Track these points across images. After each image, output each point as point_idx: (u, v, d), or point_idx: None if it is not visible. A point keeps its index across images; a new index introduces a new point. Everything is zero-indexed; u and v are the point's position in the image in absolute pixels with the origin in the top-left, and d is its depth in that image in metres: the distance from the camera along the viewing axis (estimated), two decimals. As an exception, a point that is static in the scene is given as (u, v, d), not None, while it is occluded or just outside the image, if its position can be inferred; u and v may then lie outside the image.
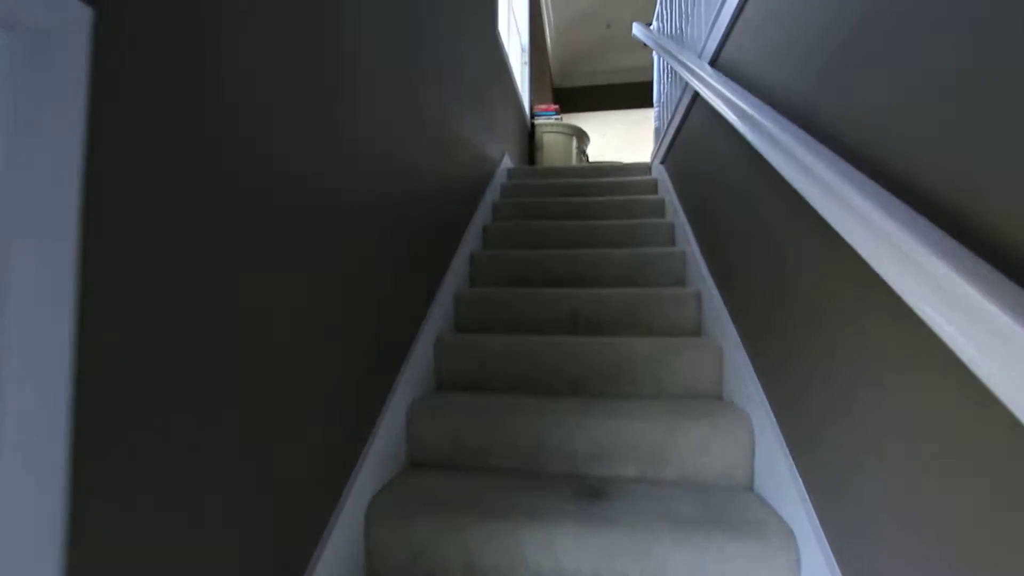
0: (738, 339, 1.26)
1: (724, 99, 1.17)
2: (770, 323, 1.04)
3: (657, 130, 2.66)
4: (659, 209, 2.25)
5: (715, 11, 1.41)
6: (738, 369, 1.20)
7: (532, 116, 4.09)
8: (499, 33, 2.67)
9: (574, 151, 4.03)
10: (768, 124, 0.89)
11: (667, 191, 2.23)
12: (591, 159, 7.38)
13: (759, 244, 1.12)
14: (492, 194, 2.41)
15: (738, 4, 1.22)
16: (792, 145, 0.79)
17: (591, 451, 1.13)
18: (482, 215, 2.18)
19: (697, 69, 1.42)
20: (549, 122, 3.98)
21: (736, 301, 1.29)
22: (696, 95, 1.67)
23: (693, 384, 1.34)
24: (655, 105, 2.68)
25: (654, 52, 2.73)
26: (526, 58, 4.01)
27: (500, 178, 2.65)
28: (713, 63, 1.45)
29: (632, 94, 7.00)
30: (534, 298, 1.62)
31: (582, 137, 4.16)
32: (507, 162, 2.87)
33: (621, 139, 9.17)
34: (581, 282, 1.83)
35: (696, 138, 1.71)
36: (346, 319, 0.93)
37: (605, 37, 6.36)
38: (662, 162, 2.39)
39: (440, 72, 1.56)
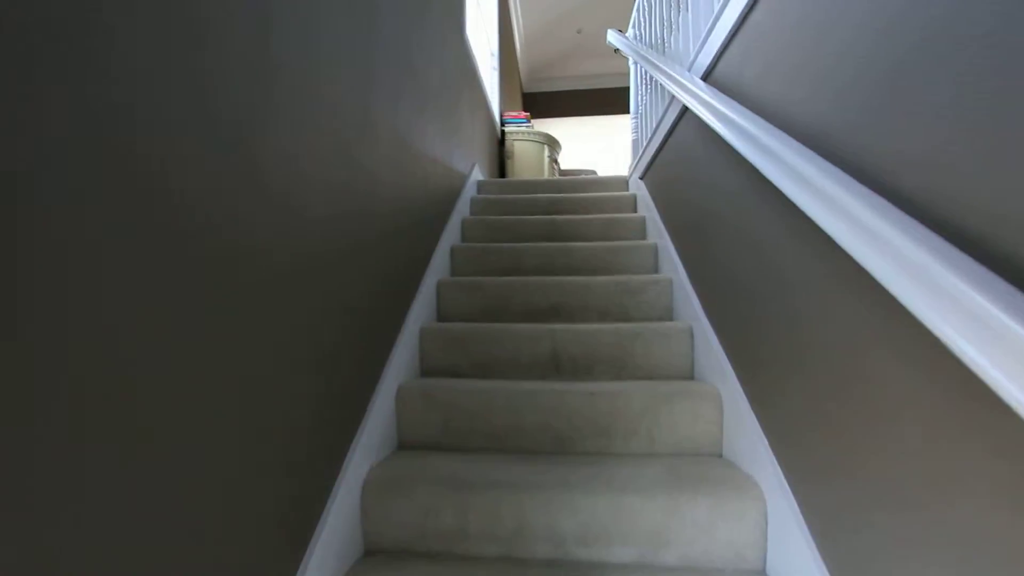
0: (739, 386, 1.12)
1: (722, 118, 1.03)
2: (781, 378, 0.90)
3: (635, 143, 2.53)
4: (640, 228, 2.12)
5: (709, 22, 1.27)
6: (741, 422, 1.06)
7: (502, 123, 3.92)
8: (467, 37, 2.49)
9: (546, 160, 3.88)
10: (785, 152, 0.75)
11: (647, 208, 2.10)
12: (562, 168, 7.30)
13: (764, 282, 0.98)
14: (461, 210, 2.23)
15: (740, 16, 1.08)
16: (818, 179, 0.64)
17: (581, 533, 0.96)
18: (451, 235, 1.99)
19: (688, 83, 1.28)
20: (520, 130, 3.82)
21: (735, 343, 1.15)
22: (685, 110, 1.53)
23: (692, 442, 1.19)
24: (632, 116, 2.55)
25: (631, 61, 2.61)
26: (495, 63, 3.85)
27: (470, 191, 2.47)
28: (706, 77, 1.32)
29: (603, 101, 6.94)
30: (511, 336, 1.45)
31: (554, 145, 4.02)
32: (477, 174, 2.70)
33: (592, 146, 9.12)
34: (561, 314, 1.67)
35: (684, 156, 1.58)
36: (277, 406, 0.74)
37: (575, 43, 6.26)
38: (641, 177, 2.26)
39: (400, 79, 1.38)
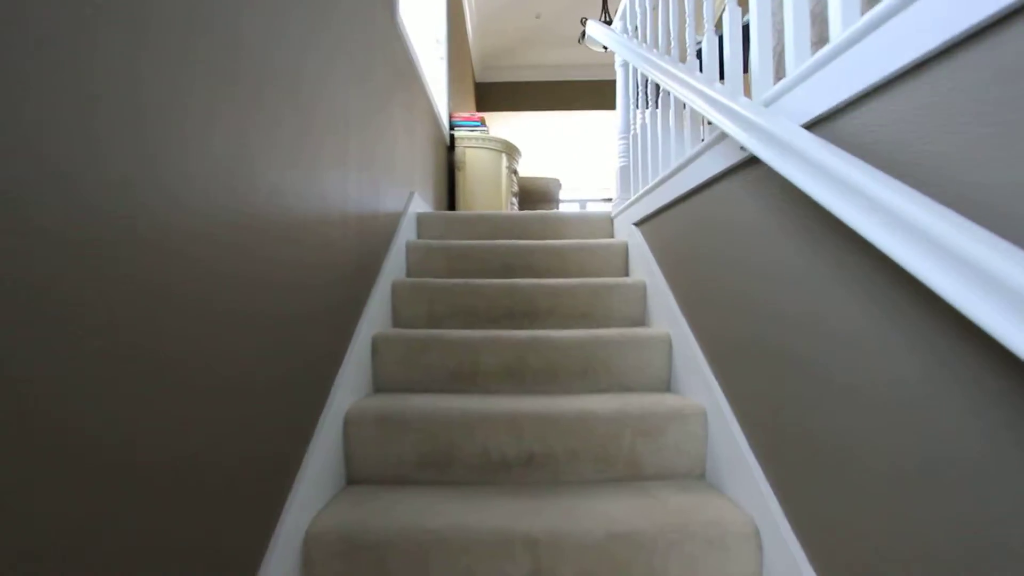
0: None
1: (909, 219, 0.46)
2: None
3: (623, 171, 1.95)
4: (639, 302, 1.55)
5: (827, 51, 0.69)
6: None
7: (451, 127, 3.25)
8: (401, 20, 1.82)
9: (503, 172, 3.26)
10: None
11: (649, 271, 1.53)
12: (521, 175, 6.68)
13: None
14: (393, 268, 1.58)
15: (920, 59, 0.51)
16: None
17: None
18: (377, 312, 1.35)
19: (783, 134, 0.71)
20: (473, 135, 3.16)
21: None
22: (751, 160, 0.95)
23: None
24: (620, 136, 1.97)
25: (619, 63, 2.02)
26: (443, 52, 3.16)
27: (405, 233, 1.82)
28: (812, 127, 0.74)
29: (565, 95, 6.34)
30: (471, 541, 0.84)
31: (512, 153, 3.39)
32: (417, 204, 2.05)
33: (553, 146, 8.51)
34: (542, 469, 1.07)
35: (741, 228, 1.00)
36: None
37: (534, 29, 5.61)
38: (638, 224, 1.69)
39: (273, 110, 0.73)
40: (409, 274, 1.76)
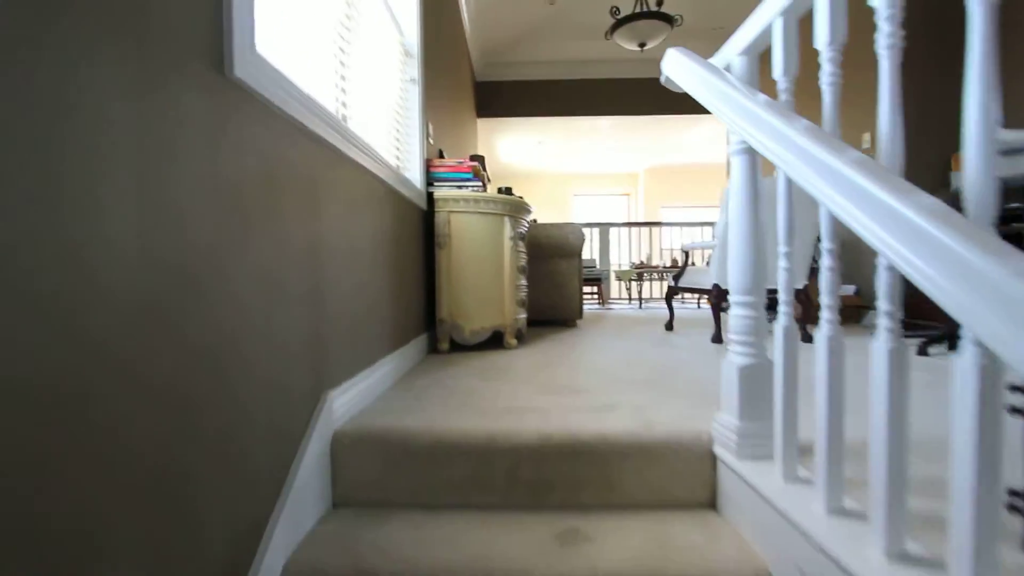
0: None
1: None
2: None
3: (747, 373, 0.93)
4: None
5: None
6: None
7: (429, 180, 2.22)
8: (267, 60, 0.80)
9: (507, 244, 2.23)
10: None
11: None
12: (536, 220, 5.64)
13: None
14: None
15: None
16: None
17: None
18: None
19: None
20: (461, 195, 2.13)
21: None
22: None
23: None
24: (739, 298, 0.94)
25: (739, 150, 0.97)
26: (415, 71, 2.11)
27: (306, 486, 0.84)
28: None
29: (588, 95, 5.22)
30: None
31: (519, 215, 2.36)
32: (338, 405, 1.06)
33: (561, 151, 7.37)
34: None
35: None
36: None
37: (547, 17, 4.49)
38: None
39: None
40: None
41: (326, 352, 1.08)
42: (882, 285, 0.62)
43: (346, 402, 1.15)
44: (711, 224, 5.43)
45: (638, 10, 3.66)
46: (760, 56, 0.95)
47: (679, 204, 8.46)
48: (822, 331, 0.71)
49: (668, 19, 3.64)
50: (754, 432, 0.94)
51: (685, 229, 6.15)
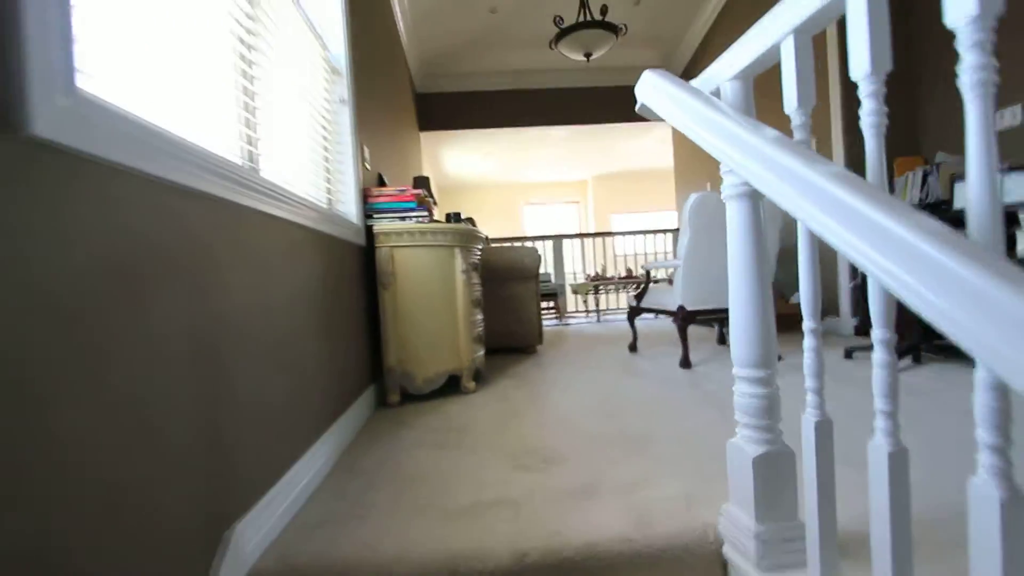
0: None
1: None
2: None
3: (757, 463, 0.76)
4: None
5: None
6: None
7: (367, 211, 1.97)
8: (82, 99, 0.56)
9: (459, 280, 2.01)
10: None
11: None
12: (488, 237, 5.47)
13: None
14: None
15: None
16: None
17: None
18: None
19: None
20: (404, 228, 1.90)
21: None
22: None
23: None
24: (747, 378, 0.77)
25: (738, 193, 0.80)
26: (344, 92, 1.87)
27: None
28: None
29: (533, 106, 5.08)
30: None
31: (470, 243, 2.15)
32: (258, 530, 0.81)
33: (509, 161, 7.22)
34: None
35: None
36: None
37: (490, 28, 4.31)
38: None
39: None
40: None
41: (230, 469, 0.83)
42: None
43: (264, 524, 0.90)
44: (664, 232, 5.40)
45: (582, 19, 3.53)
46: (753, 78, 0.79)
47: (628, 211, 8.48)
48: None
49: (612, 28, 3.53)
50: (778, 537, 0.77)
51: (638, 237, 6.12)
